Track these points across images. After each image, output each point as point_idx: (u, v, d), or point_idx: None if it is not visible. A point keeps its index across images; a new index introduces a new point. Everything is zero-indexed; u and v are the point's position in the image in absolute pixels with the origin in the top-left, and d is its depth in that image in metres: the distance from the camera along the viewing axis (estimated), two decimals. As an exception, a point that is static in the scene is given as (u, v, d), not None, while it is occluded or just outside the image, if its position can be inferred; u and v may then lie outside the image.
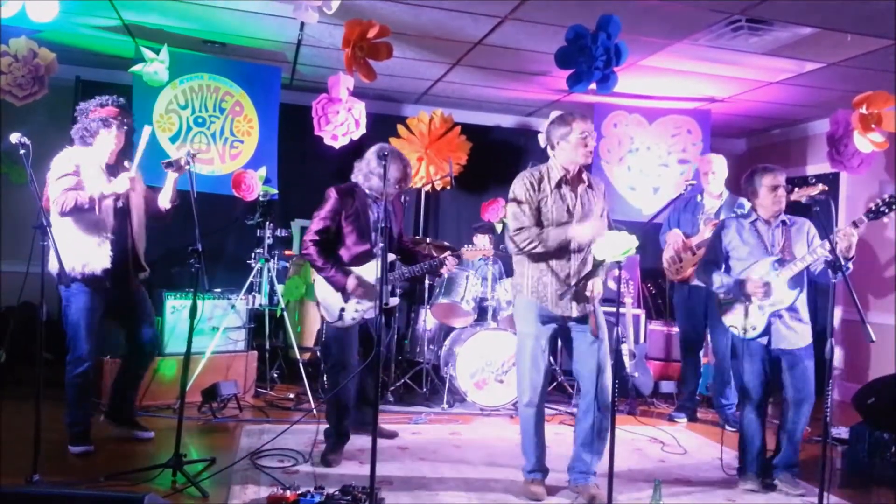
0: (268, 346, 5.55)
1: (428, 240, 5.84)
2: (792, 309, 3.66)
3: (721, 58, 5.02)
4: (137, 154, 3.79)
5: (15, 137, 3.23)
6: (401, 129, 6.52)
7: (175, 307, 5.01)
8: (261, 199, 5.51)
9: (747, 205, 4.22)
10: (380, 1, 4.29)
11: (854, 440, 4.25)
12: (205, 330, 5.06)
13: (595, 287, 3.45)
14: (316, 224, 3.87)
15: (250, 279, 5.45)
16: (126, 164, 3.92)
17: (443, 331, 5.74)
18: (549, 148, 3.57)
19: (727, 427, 5.03)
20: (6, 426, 3.86)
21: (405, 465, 3.93)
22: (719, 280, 3.77)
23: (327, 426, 3.98)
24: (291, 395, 5.33)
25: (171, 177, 3.86)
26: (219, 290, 5.35)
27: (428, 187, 6.58)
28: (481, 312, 5.55)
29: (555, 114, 3.72)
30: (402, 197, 5.07)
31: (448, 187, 6.40)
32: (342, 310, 3.87)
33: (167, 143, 5.40)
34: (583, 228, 3.39)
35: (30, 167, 3.23)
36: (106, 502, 2.68)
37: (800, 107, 6.32)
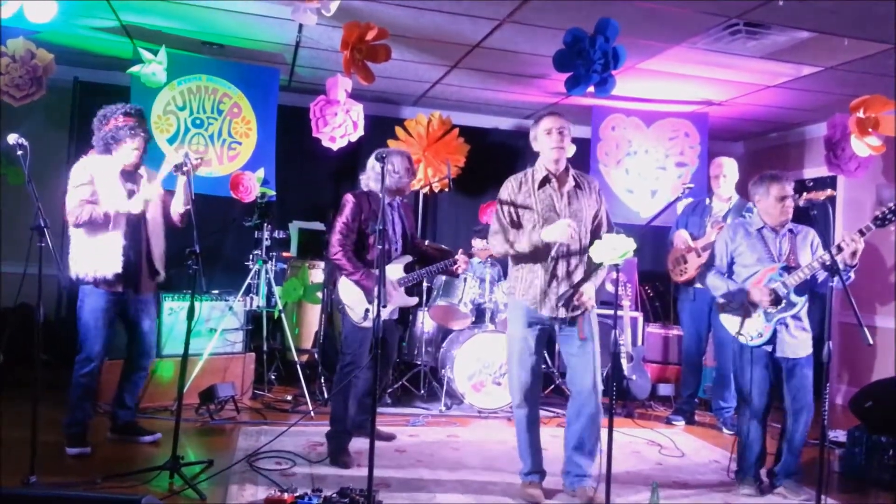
0: (265, 348, 5.55)
1: (427, 242, 5.83)
2: (796, 317, 3.66)
3: (719, 61, 5.03)
4: (159, 176, 3.88)
5: (12, 138, 3.24)
6: (399, 131, 6.53)
7: (173, 309, 5.00)
8: (259, 200, 5.51)
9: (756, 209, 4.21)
10: (378, 3, 4.29)
11: (852, 444, 4.25)
12: (202, 332, 5.06)
13: (586, 293, 3.43)
14: (339, 229, 3.94)
15: (248, 281, 5.44)
16: (141, 170, 3.97)
17: (441, 333, 5.74)
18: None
19: (724, 430, 5.04)
20: (3, 428, 3.84)
21: (403, 468, 3.93)
22: (724, 286, 3.76)
23: (329, 429, 3.98)
24: (289, 397, 5.32)
25: (181, 180, 3.89)
26: (216, 291, 5.35)
27: (426, 190, 6.58)
28: (479, 315, 5.55)
29: None
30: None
31: (446, 190, 6.40)
32: (367, 310, 3.92)
33: (165, 145, 5.40)
34: (550, 230, 3.35)
35: (27, 168, 3.23)
36: (103, 504, 2.67)
37: (797, 110, 6.33)
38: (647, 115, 6.48)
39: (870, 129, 4.71)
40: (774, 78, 5.39)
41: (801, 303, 3.62)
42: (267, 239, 5.58)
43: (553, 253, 3.41)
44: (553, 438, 4.23)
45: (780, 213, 3.68)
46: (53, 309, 6.02)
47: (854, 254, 3.37)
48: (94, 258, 3.77)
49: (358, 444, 4.07)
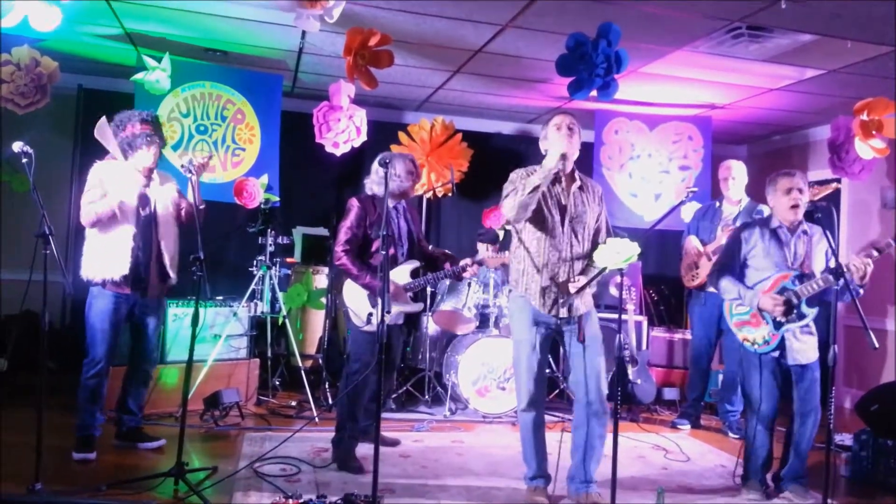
0: (270, 354, 5.54)
1: (430, 247, 5.83)
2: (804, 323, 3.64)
3: (721, 65, 5.03)
4: (189, 196, 3.95)
5: (17, 146, 3.25)
6: (402, 136, 6.54)
7: (177, 315, 5.01)
8: (262, 206, 5.51)
9: (766, 211, 4.17)
10: (381, 9, 4.30)
11: (858, 447, 4.23)
12: (207, 338, 5.07)
13: (584, 298, 3.44)
14: (344, 234, 3.95)
15: (252, 287, 5.44)
16: (154, 174, 4.00)
17: (445, 338, 5.74)
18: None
19: (730, 434, 5.02)
20: (8, 434, 3.85)
21: (407, 473, 3.92)
22: (735, 290, 3.68)
23: (335, 435, 3.98)
24: (293, 403, 5.32)
25: (193, 181, 3.90)
26: (221, 297, 5.35)
27: (429, 195, 6.59)
28: (483, 319, 5.54)
29: None
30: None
31: (449, 194, 6.40)
32: (370, 314, 3.91)
33: (169, 151, 5.41)
34: (549, 157, 3.40)
35: (32, 176, 3.24)
36: (108, 511, 2.67)
37: (800, 113, 6.32)
38: (651, 118, 6.48)
39: (873, 132, 4.71)
40: (777, 81, 5.39)
41: (812, 314, 3.56)
42: (271, 245, 5.58)
43: (563, 258, 3.42)
44: (557, 443, 4.21)
45: (788, 207, 3.64)
46: (58, 316, 6.03)
47: (863, 276, 3.36)
48: (104, 259, 3.81)
49: (362, 449, 4.06)
